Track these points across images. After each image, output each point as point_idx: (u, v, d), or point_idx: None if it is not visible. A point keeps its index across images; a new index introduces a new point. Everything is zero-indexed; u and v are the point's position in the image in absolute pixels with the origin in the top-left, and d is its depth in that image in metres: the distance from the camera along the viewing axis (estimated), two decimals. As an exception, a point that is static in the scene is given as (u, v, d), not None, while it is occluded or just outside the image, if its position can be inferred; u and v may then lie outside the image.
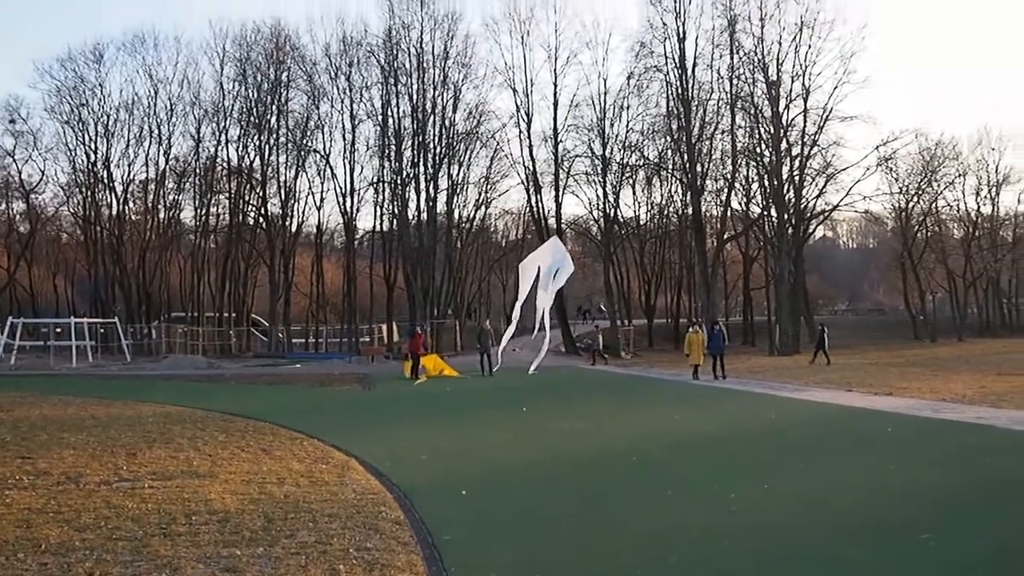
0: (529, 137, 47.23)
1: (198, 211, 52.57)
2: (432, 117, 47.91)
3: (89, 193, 52.34)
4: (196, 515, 7.66)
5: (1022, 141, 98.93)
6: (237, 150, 51.32)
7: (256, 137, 50.35)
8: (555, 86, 46.89)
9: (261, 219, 51.50)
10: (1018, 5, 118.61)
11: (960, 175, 56.80)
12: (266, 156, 50.31)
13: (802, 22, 43.98)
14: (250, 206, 52.36)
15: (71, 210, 55.99)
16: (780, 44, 44.51)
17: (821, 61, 45.12)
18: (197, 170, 52.14)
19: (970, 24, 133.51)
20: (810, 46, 44.15)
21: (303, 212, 52.50)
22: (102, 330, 45.31)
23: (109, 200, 52.73)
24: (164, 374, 32.42)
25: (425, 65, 47.74)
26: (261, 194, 50.92)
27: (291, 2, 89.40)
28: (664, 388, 24.10)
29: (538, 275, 28.88)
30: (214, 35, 51.81)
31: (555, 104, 46.79)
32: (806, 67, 44.42)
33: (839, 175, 45.93)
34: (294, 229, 52.12)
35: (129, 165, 52.11)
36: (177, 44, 72.80)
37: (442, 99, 48.20)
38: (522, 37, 47.00)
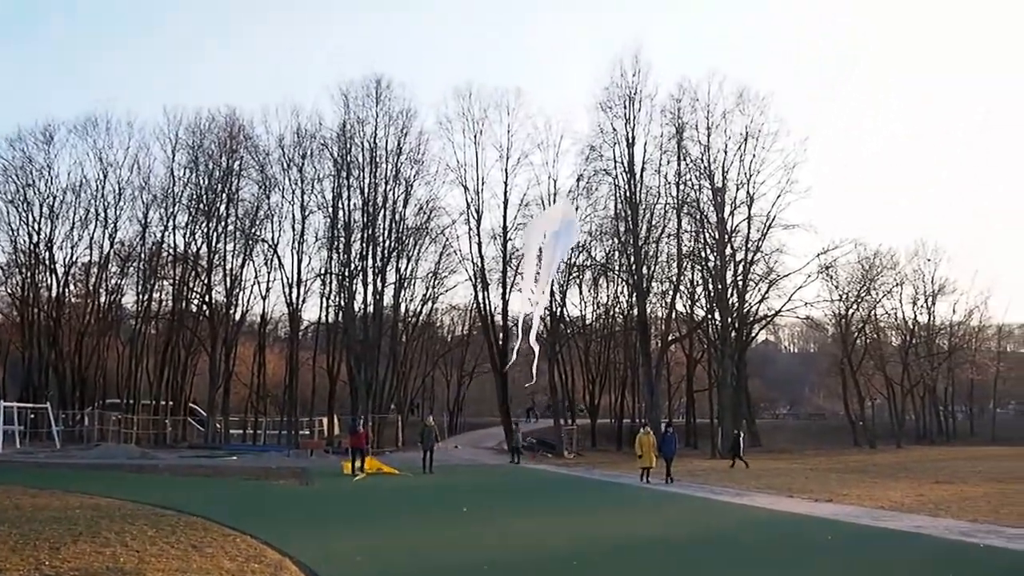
0: (479, 234, 47.60)
1: (140, 296, 52.01)
2: (383, 211, 48.35)
3: (29, 274, 51.52)
4: (119, 616, 7.35)
5: (956, 254, 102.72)
6: (184, 236, 51.19)
7: (204, 224, 50.27)
8: (506, 185, 47.43)
9: (205, 307, 50.90)
10: (950, 132, 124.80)
11: (897, 284, 58.63)
12: (213, 243, 50.24)
13: (747, 132, 46.13)
14: (194, 293, 51.88)
15: (8, 290, 54.83)
16: (726, 153, 46.51)
17: (765, 170, 46.78)
18: (142, 255, 51.69)
19: (904, 143, 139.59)
20: (754, 155, 46.28)
21: (248, 301, 52.14)
22: (32, 415, 43.88)
23: (49, 282, 52.12)
24: (95, 463, 31.35)
25: (378, 160, 48.37)
26: (206, 281, 50.51)
27: (247, 93, 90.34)
28: (606, 490, 23.93)
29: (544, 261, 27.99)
30: (168, 121, 52.04)
31: (505, 203, 47.32)
32: (750, 175, 46.34)
33: (781, 281, 47.38)
34: (238, 318, 51.64)
35: (72, 247, 51.82)
36: (130, 129, 71.48)
37: (393, 194, 48.77)
38: (475, 136, 47.73)
